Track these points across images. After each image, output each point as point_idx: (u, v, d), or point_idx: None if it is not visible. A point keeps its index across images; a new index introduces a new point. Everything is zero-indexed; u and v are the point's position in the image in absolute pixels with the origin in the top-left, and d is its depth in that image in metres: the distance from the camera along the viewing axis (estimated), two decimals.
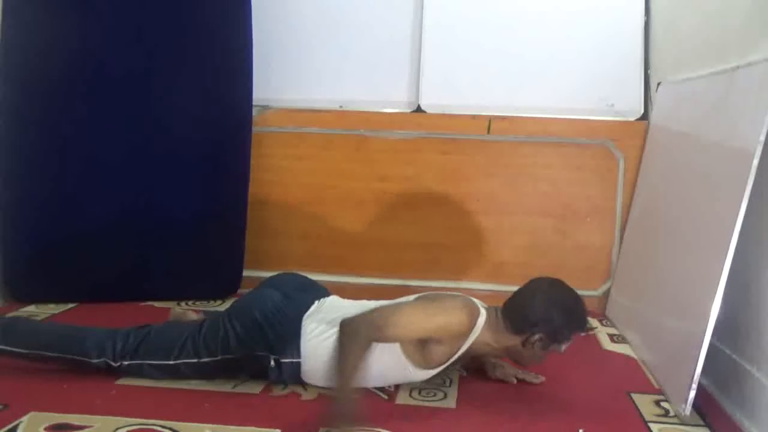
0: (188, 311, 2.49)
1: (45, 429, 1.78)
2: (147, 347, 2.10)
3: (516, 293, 2.13)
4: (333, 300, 2.23)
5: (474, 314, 2.03)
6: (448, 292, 2.21)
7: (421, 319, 1.97)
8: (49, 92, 2.92)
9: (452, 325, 1.99)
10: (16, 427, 1.78)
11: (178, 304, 3.03)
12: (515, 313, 2.07)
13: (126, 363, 2.09)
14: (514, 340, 2.06)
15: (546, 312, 2.03)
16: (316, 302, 2.16)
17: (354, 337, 1.87)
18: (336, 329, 1.95)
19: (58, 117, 2.93)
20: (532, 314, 2.04)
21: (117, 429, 1.79)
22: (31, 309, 2.88)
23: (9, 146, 2.91)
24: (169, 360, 2.08)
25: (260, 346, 2.04)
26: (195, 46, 3.03)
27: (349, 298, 2.29)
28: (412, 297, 2.16)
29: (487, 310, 2.09)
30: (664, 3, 3.13)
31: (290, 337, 2.04)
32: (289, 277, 2.32)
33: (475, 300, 2.11)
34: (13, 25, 2.88)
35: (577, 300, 2.08)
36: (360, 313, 1.94)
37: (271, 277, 2.31)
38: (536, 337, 2.03)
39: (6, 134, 2.90)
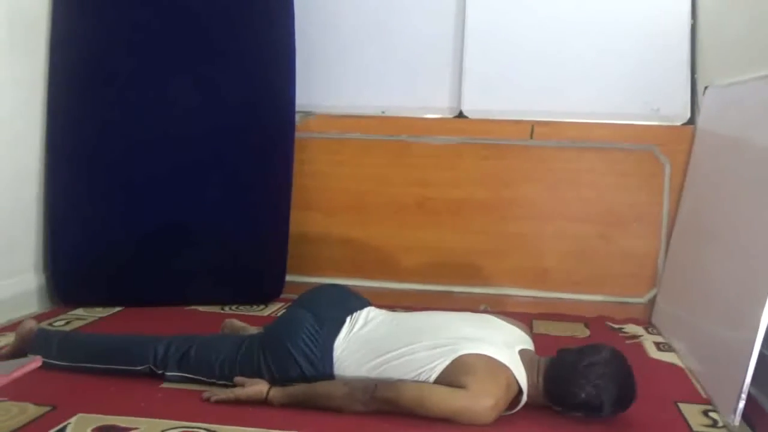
0: (245, 326, 2.50)
1: (92, 430, 1.81)
2: (188, 362, 2.13)
3: (562, 361, 1.96)
4: (366, 316, 2.17)
5: (511, 392, 1.93)
6: (484, 367, 1.90)
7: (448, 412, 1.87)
8: (100, 100, 3.00)
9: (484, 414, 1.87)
10: (64, 429, 1.81)
11: (222, 309, 3.07)
12: (557, 390, 1.94)
13: (169, 374, 2.13)
14: (549, 403, 1.98)
15: (593, 399, 1.88)
16: (348, 319, 2.14)
17: (364, 401, 1.90)
18: (369, 365, 1.99)
19: (111, 129, 3.00)
20: (575, 397, 1.89)
21: (162, 431, 1.81)
22: (78, 312, 2.94)
23: (61, 156, 2.99)
24: (209, 378, 2.11)
25: (294, 377, 2.04)
26: (239, 55, 3.07)
27: (390, 304, 2.27)
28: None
29: (528, 370, 1.96)
30: (711, 5, 3.08)
31: (322, 367, 2.04)
32: (321, 293, 2.29)
33: (512, 361, 1.94)
34: (62, 30, 2.96)
35: (630, 385, 1.92)
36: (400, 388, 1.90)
37: (303, 294, 2.31)
38: (577, 414, 1.94)
39: (59, 144, 2.99)
